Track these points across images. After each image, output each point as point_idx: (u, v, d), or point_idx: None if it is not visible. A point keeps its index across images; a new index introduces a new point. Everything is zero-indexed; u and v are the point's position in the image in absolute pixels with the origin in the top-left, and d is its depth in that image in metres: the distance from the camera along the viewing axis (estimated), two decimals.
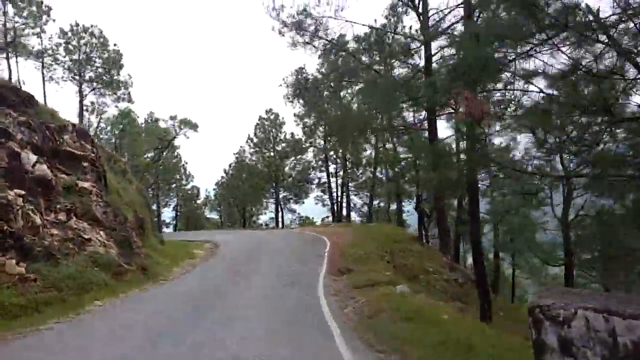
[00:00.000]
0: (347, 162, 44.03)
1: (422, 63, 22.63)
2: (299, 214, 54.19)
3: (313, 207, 53.99)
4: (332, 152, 47.55)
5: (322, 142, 47.28)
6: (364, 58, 29.59)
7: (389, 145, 36.78)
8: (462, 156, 24.28)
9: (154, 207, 51.34)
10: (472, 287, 23.89)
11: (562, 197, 27.29)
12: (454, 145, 28.06)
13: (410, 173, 26.54)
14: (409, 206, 38.35)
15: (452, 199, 26.14)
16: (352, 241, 21.63)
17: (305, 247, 20.95)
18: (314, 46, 23.28)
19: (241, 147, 52.32)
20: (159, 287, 13.30)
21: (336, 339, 6.72)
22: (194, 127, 43.51)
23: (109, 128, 42.19)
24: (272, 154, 50.54)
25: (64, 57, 32.26)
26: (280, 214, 51.40)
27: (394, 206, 38.88)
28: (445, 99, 19.85)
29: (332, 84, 35.81)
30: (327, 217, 55.40)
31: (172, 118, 43.49)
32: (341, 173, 48.09)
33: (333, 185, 47.52)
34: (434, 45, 23.05)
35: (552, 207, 28.06)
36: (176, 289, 13.01)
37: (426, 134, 26.40)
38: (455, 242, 26.67)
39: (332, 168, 47.82)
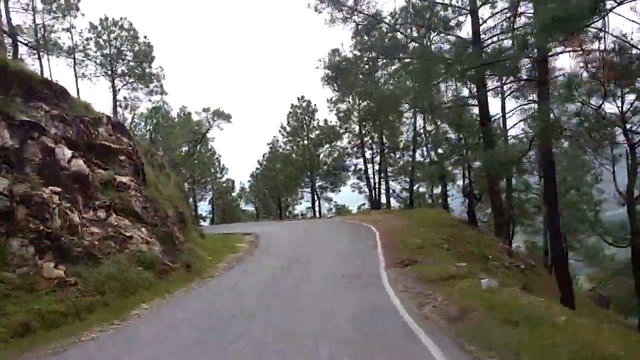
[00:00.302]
0: (384, 147, 42.43)
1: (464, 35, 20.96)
2: (335, 202, 53.11)
3: (350, 195, 52.79)
4: (367, 138, 46.14)
5: (357, 128, 45.90)
6: (399, 35, 28.07)
7: (430, 127, 35.17)
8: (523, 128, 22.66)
9: (191, 201, 51.30)
10: (533, 273, 22.38)
11: (627, 170, 25.24)
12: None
13: (459, 153, 24.92)
14: (452, 190, 36.77)
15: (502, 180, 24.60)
16: (401, 228, 20.33)
17: (352, 236, 19.76)
18: (354, 21, 21.92)
19: (274, 136, 51.47)
20: (204, 286, 12.38)
21: (430, 350, 5.52)
22: (227, 118, 42.81)
23: (142, 124, 41.96)
24: (306, 142, 49.42)
25: (95, 52, 31.89)
26: (316, 203, 50.39)
27: (437, 190, 37.32)
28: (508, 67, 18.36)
29: (368, 64, 34.37)
30: (364, 204, 54.24)
31: (205, 110, 42.91)
32: (378, 159, 46.64)
33: (370, 171, 46.15)
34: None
35: (615, 183, 26.02)
36: (224, 286, 12.07)
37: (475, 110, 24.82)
38: (507, 225, 25.02)
39: (368, 154, 46.43)
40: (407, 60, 33.91)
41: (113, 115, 28.42)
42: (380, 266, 12.10)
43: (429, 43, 30.20)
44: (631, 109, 24.89)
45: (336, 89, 40.48)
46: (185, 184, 43.97)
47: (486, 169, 20.94)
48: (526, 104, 21.52)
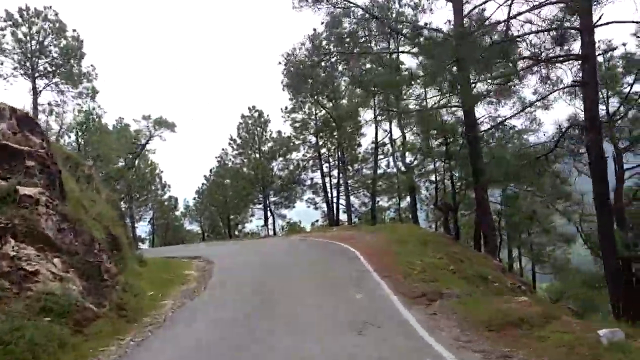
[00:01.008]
0: (344, 158, 39.61)
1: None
2: (289, 219, 49.67)
3: (304, 211, 49.59)
4: (324, 149, 43.23)
5: (314, 139, 42.90)
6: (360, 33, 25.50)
7: (397, 134, 32.67)
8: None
9: (128, 221, 46.18)
10: (535, 294, 19.96)
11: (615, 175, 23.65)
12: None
13: (441, 160, 22.36)
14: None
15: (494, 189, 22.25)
16: (383, 247, 17.30)
17: (329, 258, 16.47)
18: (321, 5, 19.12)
19: (223, 149, 47.52)
20: (145, 342, 8.59)
21: None
22: (170, 127, 38.65)
23: (72, 134, 36.85)
24: (257, 155, 45.86)
25: (12, 47, 27.07)
26: (269, 220, 46.67)
27: (403, 203, 34.85)
28: None
29: (326, 69, 31.65)
30: (317, 221, 51.30)
31: (145, 118, 38.47)
32: (335, 173, 43.80)
33: (328, 185, 43.13)
34: None
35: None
36: (173, 341, 8.38)
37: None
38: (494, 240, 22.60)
39: (325, 167, 43.46)
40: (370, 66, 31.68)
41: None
42: (394, 302, 8.90)
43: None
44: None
45: (293, 93, 37.59)
46: (122, 202, 39.06)
47: (481, 177, 18.37)
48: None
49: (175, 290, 14.29)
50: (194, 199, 52.25)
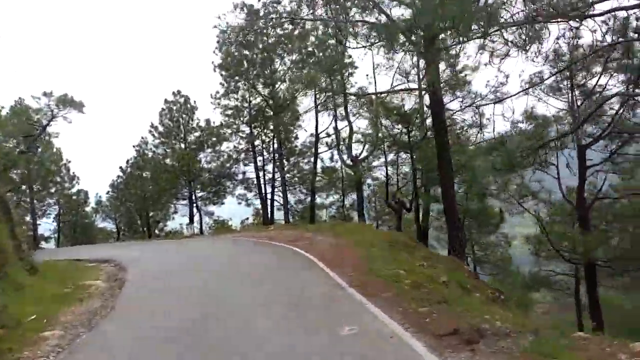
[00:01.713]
0: (281, 150, 36.16)
1: None
2: (218, 217, 45.33)
3: (236, 208, 45.56)
4: (259, 141, 39.50)
5: (247, 128, 39.04)
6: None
7: (342, 124, 29.78)
8: None
9: (28, 217, 39.75)
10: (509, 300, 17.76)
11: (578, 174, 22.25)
12: None
13: (402, 149, 19.70)
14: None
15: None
16: (346, 252, 14.17)
17: (283, 269, 12.94)
18: None
19: (143, 138, 42.25)
20: None
21: None
22: (77, 106, 33.08)
23: None
24: (183, 145, 41.20)
25: None
26: (195, 217, 42.16)
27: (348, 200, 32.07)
28: None
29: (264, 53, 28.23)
30: (247, 219, 47.60)
31: (47, 95, 32.62)
32: (270, 167, 40.26)
33: (262, 180, 39.48)
34: None
35: (561, 189, 22.90)
36: None
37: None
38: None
39: (260, 160, 39.77)
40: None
41: None
42: (406, 342, 5.76)
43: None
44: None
45: (226, 75, 33.65)
46: (15, 194, 32.97)
47: (448, 171, 15.80)
48: None
49: (69, 311, 10.23)
50: (108, 193, 46.36)
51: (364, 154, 26.05)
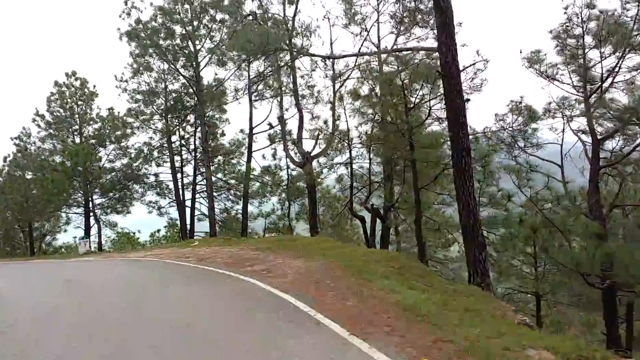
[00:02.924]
0: (207, 146, 29.49)
1: None
2: (123, 228, 37.34)
3: (146, 219, 37.90)
4: (175, 138, 32.52)
5: (162, 121, 31.95)
6: None
7: (290, 113, 23.91)
8: None
9: None
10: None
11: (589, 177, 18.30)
12: None
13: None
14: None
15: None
16: (354, 288, 8.44)
17: (264, 331, 6.90)
18: None
19: (24, 129, 33.45)
20: None
21: None
22: None
23: None
24: (78, 139, 33.07)
25: None
26: (93, 229, 34.01)
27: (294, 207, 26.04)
28: None
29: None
30: (158, 230, 40.29)
31: None
32: (191, 169, 33.43)
33: (180, 184, 32.45)
34: None
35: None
36: None
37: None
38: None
39: (177, 160, 32.77)
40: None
41: None
42: None
43: None
44: None
45: (136, 50, 26.63)
46: None
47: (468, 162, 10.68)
48: None
49: None
50: None
51: (316, 149, 20.53)
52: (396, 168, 17.99)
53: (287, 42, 16.92)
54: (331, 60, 18.36)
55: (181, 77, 30.03)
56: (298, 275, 9.83)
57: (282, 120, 23.18)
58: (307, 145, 26.17)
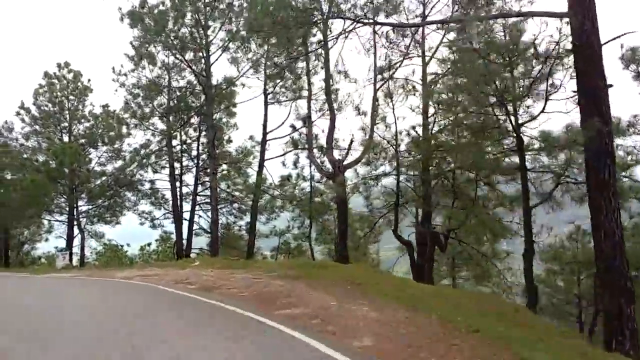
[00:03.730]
0: (213, 151, 25.83)
1: None
2: (110, 240, 33.35)
3: (135, 230, 34.03)
4: (177, 142, 28.93)
5: (162, 121, 28.39)
6: None
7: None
8: None
9: None
10: None
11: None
12: None
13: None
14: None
15: None
16: None
17: None
18: None
19: (7, 122, 29.74)
20: None
21: None
22: None
23: None
24: (66, 137, 29.42)
25: None
26: (76, 239, 30.08)
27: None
28: None
29: None
30: (149, 244, 36.49)
31: None
32: (191, 178, 29.77)
33: (180, 193, 28.73)
34: None
35: None
36: None
37: None
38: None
39: (177, 166, 29.09)
40: None
41: None
42: None
43: None
44: None
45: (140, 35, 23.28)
46: None
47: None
48: None
49: None
50: None
51: (350, 157, 16.85)
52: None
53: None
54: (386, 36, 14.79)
55: (186, 74, 26.65)
56: (383, 340, 6.09)
57: (309, 121, 19.52)
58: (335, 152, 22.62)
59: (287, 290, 10.20)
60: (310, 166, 20.05)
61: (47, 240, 34.36)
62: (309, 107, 19.49)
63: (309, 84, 19.64)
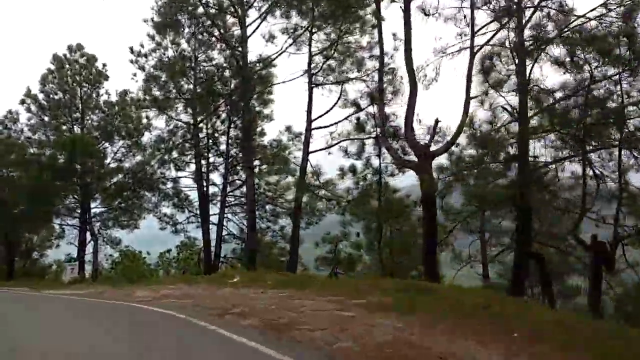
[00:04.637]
0: (250, 144, 21.85)
1: None
2: (126, 247, 29.61)
3: (154, 235, 30.39)
4: (203, 134, 25.04)
5: (184, 110, 24.58)
6: None
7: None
8: None
9: None
10: None
11: None
12: None
13: None
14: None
15: None
16: None
17: None
18: None
19: (11, 113, 26.20)
20: None
21: None
22: None
23: None
24: (78, 128, 25.75)
25: None
26: (89, 246, 26.30)
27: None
28: None
29: None
30: (169, 251, 33.07)
31: None
32: (216, 177, 25.89)
33: (205, 192, 24.81)
34: None
35: None
36: None
37: None
38: None
39: (203, 165, 25.18)
40: None
41: None
42: None
43: None
44: None
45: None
46: None
47: None
48: None
49: None
50: None
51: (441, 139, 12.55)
52: None
53: None
54: None
55: (215, 54, 22.87)
56: None
57: (380, 96, 15.03)
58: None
59: (412, 337, 6.09)
60: (379, 155, 15.83)
61: (58, 246, 30.75)
62: (381, 78, 15.25)
63: (381, 48, 15.43)
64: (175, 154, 25.48)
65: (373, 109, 16.27)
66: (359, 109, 17.11)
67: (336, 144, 20.25)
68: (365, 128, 16.77)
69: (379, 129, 15.80)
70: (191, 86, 23.52)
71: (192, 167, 25.42)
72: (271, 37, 21.02)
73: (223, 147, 25.39)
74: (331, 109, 20.42)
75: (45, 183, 22.31)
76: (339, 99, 18.85)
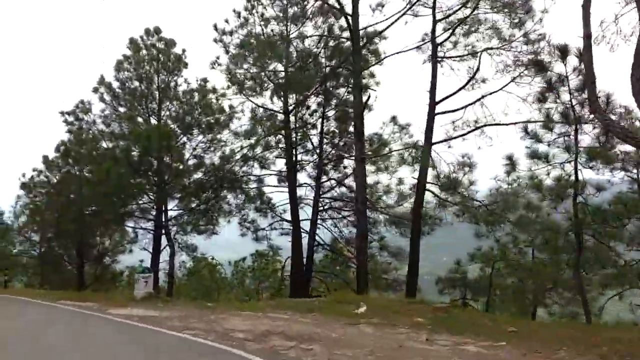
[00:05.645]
0: (360, 126, 17.87)
1: None
2: (203, 253, 26.46)
3: (233, 241, 27.13)
4: (300, 113, 21.40)
5: (270, 99, 21.02)
6: None
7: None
8: None
9: None
10: None
11: None
12: None
13: None
14: None
15: None
16: None
17: None
18: None
19: (83, 102, 23.75)
20: None
21: None
22: None
23: None
24: (154, 119, 22.82)
25: None
26: (164, 252, 23.16)
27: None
28: None
29: None
30: (244, 259, 30.20)
31: None
32: (304, 177, 22.10)
33: (304, 191, 21.09)
34: None
35: None
36: None
37: None
38: None
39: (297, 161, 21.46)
40: None
41: None
42: None
43: None
44: None
45: None
46: None
47: None
48: None
49: None
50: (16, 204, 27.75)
51: None
52: None
53: None
54: None
55: (310, 28, 19.20)
56: None
57: (585, 42, 10.49)
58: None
59: None
60: (575, 133, 11.04)
61: (130, 251, 28.17)
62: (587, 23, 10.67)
63: None
64: (259, 150, 21.97)
65: (565, 70, 11.55)
66: (542, 68, 12.36)
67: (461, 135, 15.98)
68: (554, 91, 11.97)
69: (579, 95, 11.10)
70: (283, 66, 19.96)
71: (278, 165, 21.95)
72: (379, 5, 17.24)
73: (316, 140, 21.59)
74: (461, 89, 16.10)
75: (118, 180, 19.40)
76: (476, 70, 14.38)
